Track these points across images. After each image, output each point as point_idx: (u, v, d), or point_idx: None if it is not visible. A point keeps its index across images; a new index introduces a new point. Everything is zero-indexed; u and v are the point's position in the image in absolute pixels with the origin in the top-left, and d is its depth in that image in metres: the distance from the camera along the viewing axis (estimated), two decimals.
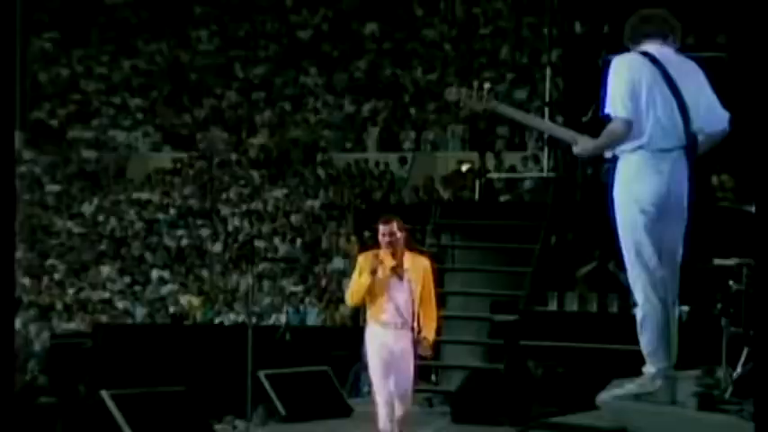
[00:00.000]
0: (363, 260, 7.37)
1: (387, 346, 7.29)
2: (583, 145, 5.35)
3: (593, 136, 5.37)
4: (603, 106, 5.33)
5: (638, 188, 5.24)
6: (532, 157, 18.53)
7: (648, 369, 5.36)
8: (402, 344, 7.29)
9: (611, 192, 5.36)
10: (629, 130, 5.19)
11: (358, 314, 16.56)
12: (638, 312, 5.32)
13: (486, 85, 5.42)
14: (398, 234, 7.35)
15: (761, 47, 5.06)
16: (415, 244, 10.97)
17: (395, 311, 7.26)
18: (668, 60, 5.31)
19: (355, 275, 7.39)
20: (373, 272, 7.22)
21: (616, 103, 5.21)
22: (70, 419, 12.57)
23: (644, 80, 5.22)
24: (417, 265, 7.39)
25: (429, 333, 7.36)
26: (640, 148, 5.23)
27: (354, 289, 7.36)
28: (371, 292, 7.27)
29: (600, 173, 11.65)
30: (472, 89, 5.44)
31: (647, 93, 5.22)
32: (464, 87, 5.48)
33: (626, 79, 5.21)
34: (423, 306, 7.35)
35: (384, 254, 7.30)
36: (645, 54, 5.30)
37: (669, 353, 5.33)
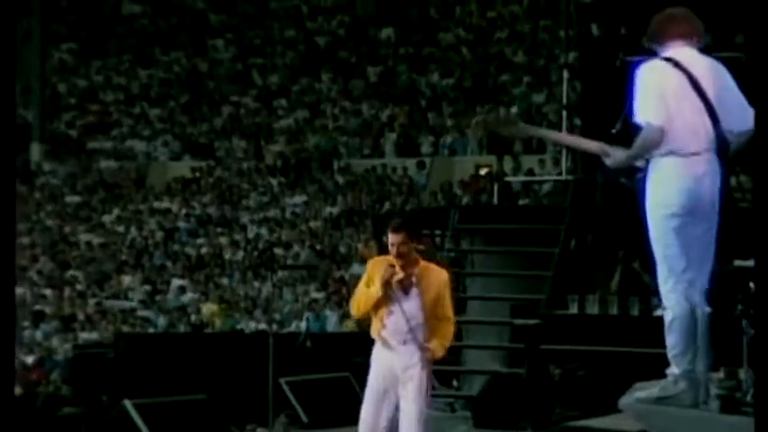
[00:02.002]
0: (373, 268, 6.43)
1: (388, 367, 6.40)
2: (616, 156, 5.36)
3: (623, 146, 5.36)
4: (631, 115, 5.32)
5: (667, 191, 5.26)
6: (551, 159, 18.50)
7: (672, 371, 5.35)
8: (406, 364, 6.35)
9: (643, 196, 5.36)
10: (663, 136, 5.21)
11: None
12: (668, 314, 5.32)
13: (513, 110, 5.47)
14: (409, 244, 6.34)
15: None
16: (432, 251, 10.93)
17: (399, 329, 6.35)
18: (692, 62, 5.32)
19: (362, 285, 6.45)
20: (386, 284, 6.28)
21: (648, 111, 5.22)
22: (94, 429, 12.61)
23: (672, 85, 5.24)
24: (431, 278, 6.42)
25: (435, 346, 6.37)
26: (671, 152, 5.25)
27: (361, 299, 6.42)
28: (376, 306, 6.36)
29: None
30: (497, 115, 5.47)
31: (676, 98, 5.24)
32: (488, 115, 5.50)
33: (654, 86, 5.23)
34: (438, 322, 6.43)
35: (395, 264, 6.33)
36: (668, 59, 5.30)
37: (694, 356, 5.32)
